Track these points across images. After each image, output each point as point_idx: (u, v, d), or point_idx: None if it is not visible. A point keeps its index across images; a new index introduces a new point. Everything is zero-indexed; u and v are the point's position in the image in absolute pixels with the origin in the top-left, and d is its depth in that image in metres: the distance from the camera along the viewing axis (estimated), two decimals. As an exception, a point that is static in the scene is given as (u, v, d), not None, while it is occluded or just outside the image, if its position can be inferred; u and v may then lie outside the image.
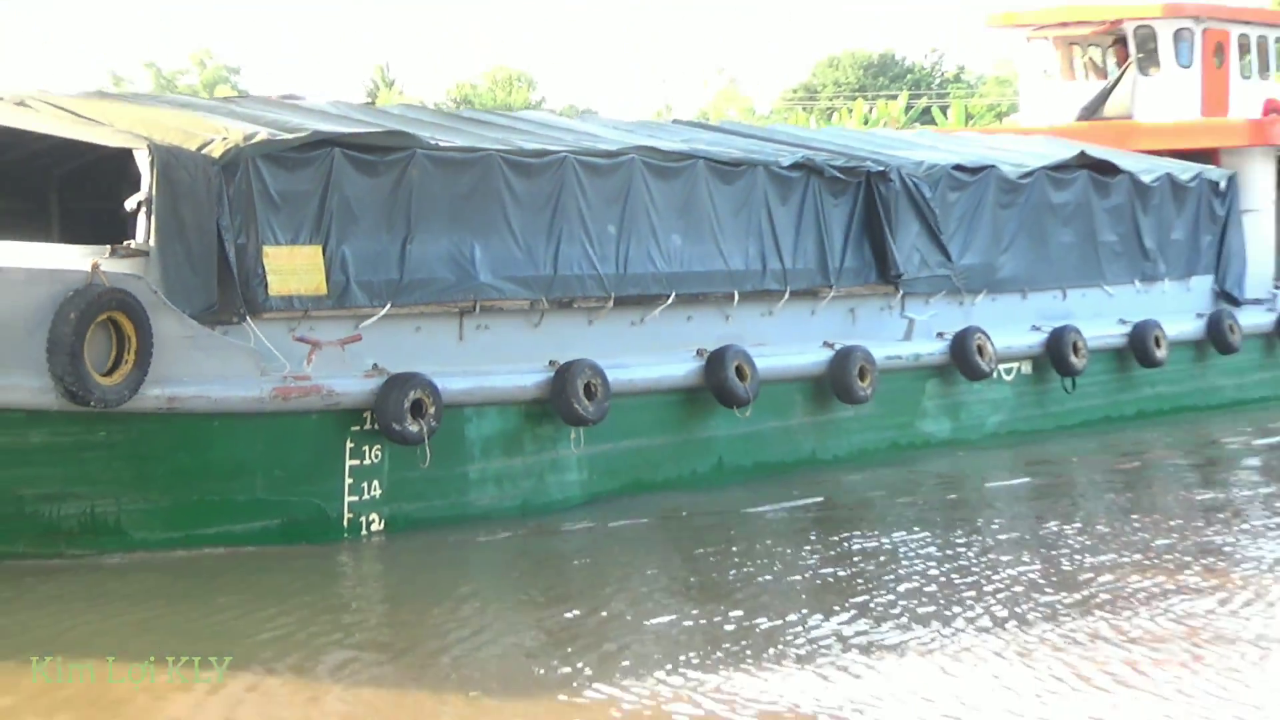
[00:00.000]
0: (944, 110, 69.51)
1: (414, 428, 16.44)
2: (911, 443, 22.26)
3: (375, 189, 17.17)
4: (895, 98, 74.47)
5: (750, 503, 19.25)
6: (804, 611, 14.45)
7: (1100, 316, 25.05)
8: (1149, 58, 30.12)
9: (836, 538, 17.80)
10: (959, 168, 23.46)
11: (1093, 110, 30.36)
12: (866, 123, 64.26)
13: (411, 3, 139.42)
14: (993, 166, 23.94)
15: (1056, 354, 23.61)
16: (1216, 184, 27.67)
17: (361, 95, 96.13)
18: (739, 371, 19.46)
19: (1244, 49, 30.71)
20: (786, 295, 21.01)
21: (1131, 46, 30.22)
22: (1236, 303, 27.64)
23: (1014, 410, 23.62)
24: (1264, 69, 31.31)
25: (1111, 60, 30.85)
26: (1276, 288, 29.02)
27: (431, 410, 16.56)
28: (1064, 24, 30.72)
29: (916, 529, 18.27)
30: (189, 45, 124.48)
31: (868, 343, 21.43)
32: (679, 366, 19.44)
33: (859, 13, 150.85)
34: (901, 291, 22.46)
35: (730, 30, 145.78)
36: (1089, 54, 31.14)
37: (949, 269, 23.09)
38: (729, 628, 13.87)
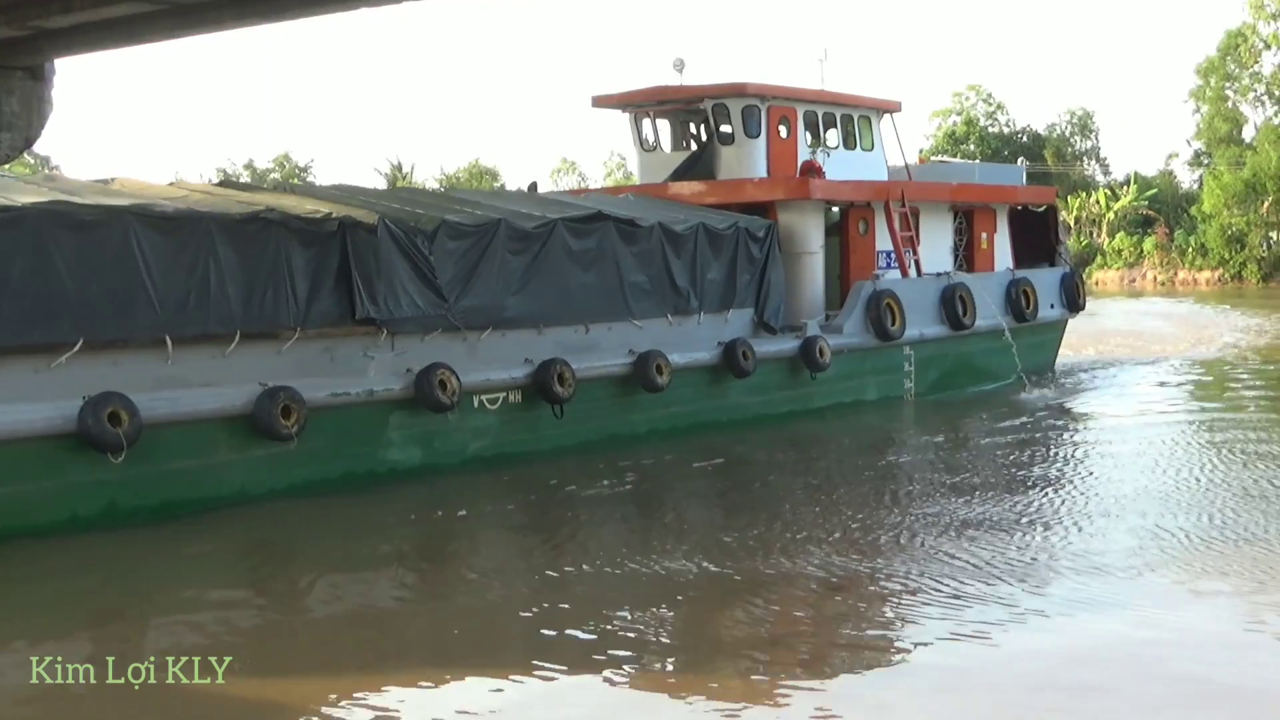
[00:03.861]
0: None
1: None
2: (372, 471, 15.66)
3: None
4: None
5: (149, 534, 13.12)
6: None
7: (618, 348, 18.45)
8: (726, 130, 23.44)
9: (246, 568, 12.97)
10: (455, 221, 16.87)
11: (684, 172, 23.73)
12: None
13: (428, 112, 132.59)
14: (500, 220, 17.34)
15: (542, 384, 17.00)
16: (754, 232, 21.02)
17: (384, 182, 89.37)
18: (114, 417, 12.96)
19: (809, 122, 24.06)
20: (238, 338, 14.43)
21: (712, 121, 23.54)
22: (774, 331, 20.99)
23: (500, 436, 17.00)
24: (841, 139, 24.69)
25: (704, 132, 24.15)
26: (828, 316, 22.37)
27: None
28: (660, 102, 24.03)
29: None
30: (275, 149, 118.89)
31: (324, 380, 14.98)
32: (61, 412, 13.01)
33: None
34: (386, 331, 15.85)
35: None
36: (698, 127, 24.38)
37: (444, 309, 16.48)
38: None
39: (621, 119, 24.75)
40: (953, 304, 23.57)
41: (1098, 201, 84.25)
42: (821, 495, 15.39)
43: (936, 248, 25.33)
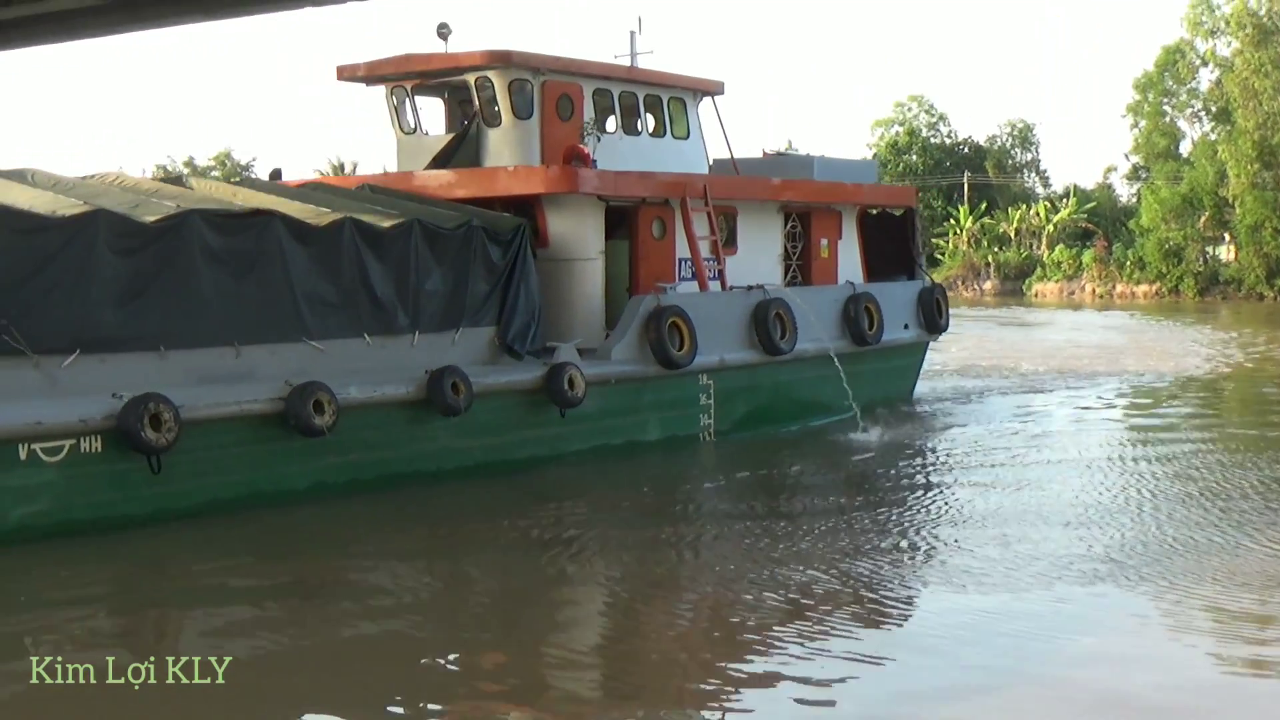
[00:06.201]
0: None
1: None
2: None
3: None
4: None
5: None
6: None
7: (275, 378, 14.03)
8: (492, 109, 19.08)
9: None
10: (25, 211, 12.53)
11: (444, 161, 19.32)
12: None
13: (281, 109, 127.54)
14: (96, 212, 12.96)
15: (128, 429, 12.55)
16: (497, 232, 16.65)
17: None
18: None
19: (602, 104, 19.74)
20: None
21: (475, 98, 19.19)
22: (519, 356, 16.65)
23: (65, 499, 12.37)
24: (649, 126, 20.43)
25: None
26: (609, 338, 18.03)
27: None
28: (415, 74, 19.56)
29: None
30: (218, 144, 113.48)
31: None
32: None
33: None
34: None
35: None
36: (471, 107, 19.93)
37: (-2, 326, 12.13)
38: None
39: (372, 96, 20.34)
40: (766, 324, 19.24)
41: (1038, 214, 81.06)
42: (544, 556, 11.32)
43: (760, 256, 20.98)
